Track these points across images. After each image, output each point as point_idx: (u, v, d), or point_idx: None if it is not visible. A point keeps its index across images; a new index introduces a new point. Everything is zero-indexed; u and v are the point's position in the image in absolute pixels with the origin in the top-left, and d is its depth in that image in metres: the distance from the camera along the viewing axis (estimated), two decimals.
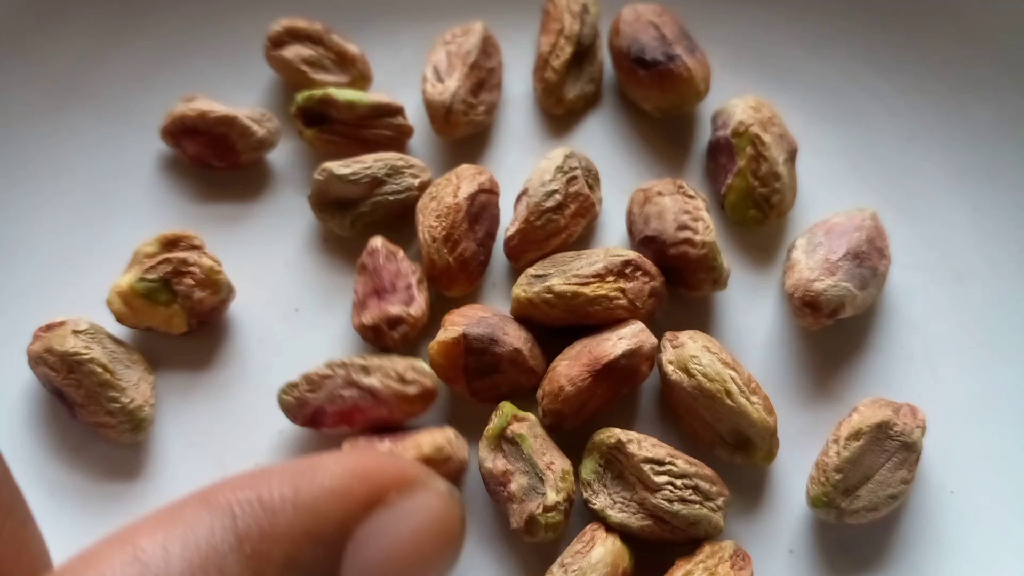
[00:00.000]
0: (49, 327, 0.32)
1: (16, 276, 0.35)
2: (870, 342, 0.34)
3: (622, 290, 0.32)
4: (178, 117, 0.35)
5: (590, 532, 0.30)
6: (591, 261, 0.32)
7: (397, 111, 0.36)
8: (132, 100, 0.37)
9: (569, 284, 0.32)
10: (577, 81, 0.37)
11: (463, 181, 0.34)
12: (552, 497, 0.29)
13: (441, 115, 0.35)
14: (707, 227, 0.32)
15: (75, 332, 0.32)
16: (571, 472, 0.30)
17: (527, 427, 0.31)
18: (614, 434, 0.30)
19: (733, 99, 0.35)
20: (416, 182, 0.34)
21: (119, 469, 0.33)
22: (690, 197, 0.33)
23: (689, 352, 0.31)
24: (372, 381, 0.31)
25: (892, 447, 0.31)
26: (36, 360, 0.32)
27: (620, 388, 0.31)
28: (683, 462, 0.30)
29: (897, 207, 0.36)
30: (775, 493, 0.32)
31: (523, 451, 0.30)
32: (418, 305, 0.33)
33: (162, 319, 0.33)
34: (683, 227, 0.32)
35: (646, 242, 0.33)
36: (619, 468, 0.30)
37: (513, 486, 0.30)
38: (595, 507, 0.30)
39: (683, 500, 0.29)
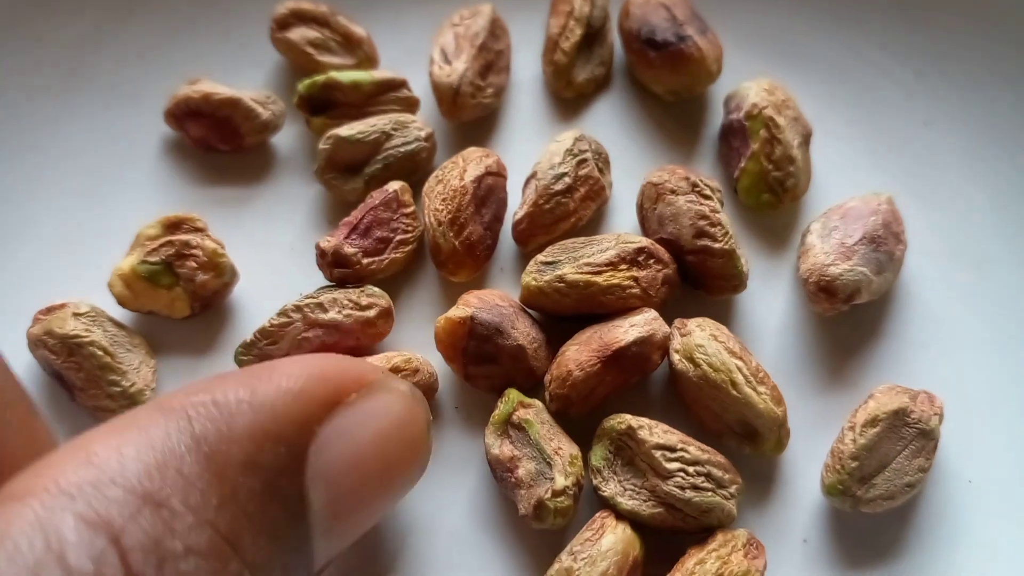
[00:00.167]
0: (49, 309, 0.32)
1: (17, 258, 0.35)
2: (885, 329, 0.34)
3: (635, 279, 0.31)
4: (182, 99, 0.35)
5: (600, 520, 0.29)
6: (602, 248, 0.32)
7: (401, 84, 0.35)
8: (135, 82, 0.37)
9: (581, 273, 0.31)
10: (587, 64, 0.37)
11: (469, 164, 0.33)
12: (561, 482, 0.29)
13: (448, 97, 0.35)
14: (726, 233, 0.31)
15: (76, 315, 0.32)
16: (579, 457, 0.30)
17: (534, 413, 0.30)
18: (625, 420, 0.30)
19: (746, 82, 0.35)
20: (423, 134, 0.34)
21: None
22: (705, 197, 0.32)
23: (695, 341, 0.30)
24: (332, 316, 0.31)
25: (909, 435, 0.30)
26: (36, 343, 0.31)
27: (630, 376, 0.31)
28: (695, 449, 0.29)
29: (913, 192, 0.35)
30: (789, 481, 0.32)
31: (530, 436, 0.30)
32: (379, 260, 0.32)
33: (164, 302, 0.33)
34: (701, 233, 0.31)
35: (661, 244, 0.32)
36: (630, 455, 0.30)
37: (520, 472, 0.29)
38: (605, 494, 0.29)
39: (695, 487, 0.29)
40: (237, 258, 0.33)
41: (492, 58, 0.36)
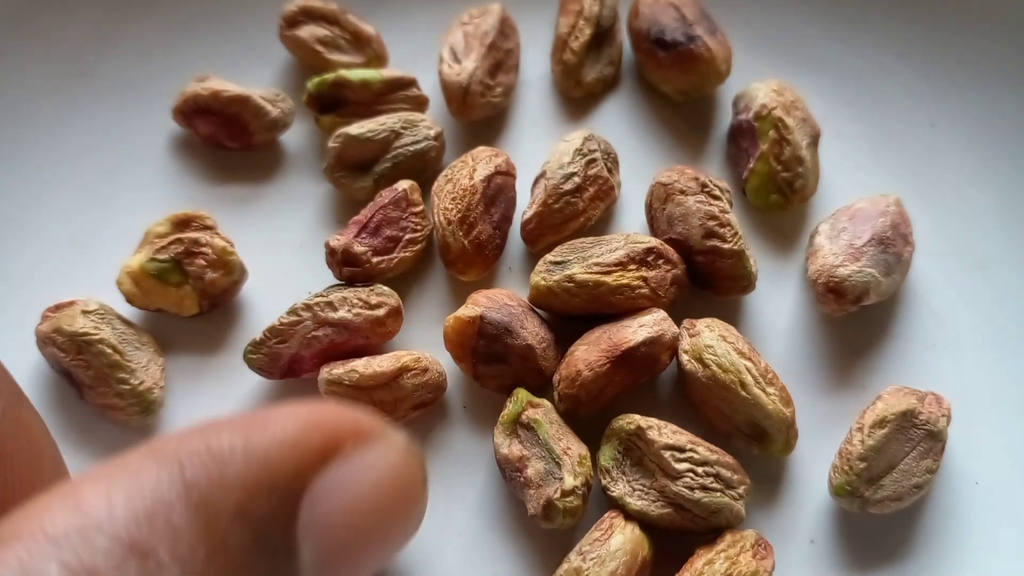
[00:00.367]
0: (58, 307, 0.32)
1: (26, 255, 0.35)
2: (893, 330, 0.34)
3: (644, 279, 0.31)
4: (191, 96, 0.35)
5: (609, 520, 0.29)
6: (611, 248, 0.32)
7: (411, 83, 0.35)
8: (144, 79, 0.37)
9: (591, 273, 0.31)
10: (596, 63, 0.37)
11: (479, 163, 0.33)
12: (570, 482, 0.29)
13: (458, 96, 0.35)
14: (735, 234, 0.31)
15: (84, 312, 0.32)
16: (588, 457, 0.30)
17: (543, 412, 0.30)
18: (634, 420, 0.30)
19: (755, 82, 0.35)
20: (432, 132, 0.34)
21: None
22: (715, 198, 0.32)
23: (704, 341, 0.30)
24: (342, 314, 0.31)
25: (917, 436, 0.30)
26: (44, 340, 0.31)
27: (639, 377, 0.31)
28: (704, 449, 0.29)
29: (920, 193, 0.35)
30: (796, 482, 0.32)
31: (539, 436, 0.30)
32: (388, 259, 0.32)
33: (173, 300, 0.33)
34: (710, 234, 0.31)
35: (671, 244, 0.32)
36: (639, 455, 0.30)
37: (530, 471, 0.29)
38: (614, 495, 0.30)
39: (704, 488, 0.29)
40: (246, 256, 0.33)
41: (501, 57, 0.36)
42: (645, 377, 0.31)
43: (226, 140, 0.35)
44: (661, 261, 0.32)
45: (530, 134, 0.36)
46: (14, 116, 0.36)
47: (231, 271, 0.32)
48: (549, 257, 0.32)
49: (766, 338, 0.33)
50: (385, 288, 0.32)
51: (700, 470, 0.29)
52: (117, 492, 0.14)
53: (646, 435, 0.29)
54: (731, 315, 0.33)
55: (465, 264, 0.33)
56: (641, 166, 0.36)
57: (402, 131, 0.34)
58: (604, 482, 0.30)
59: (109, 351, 0.31)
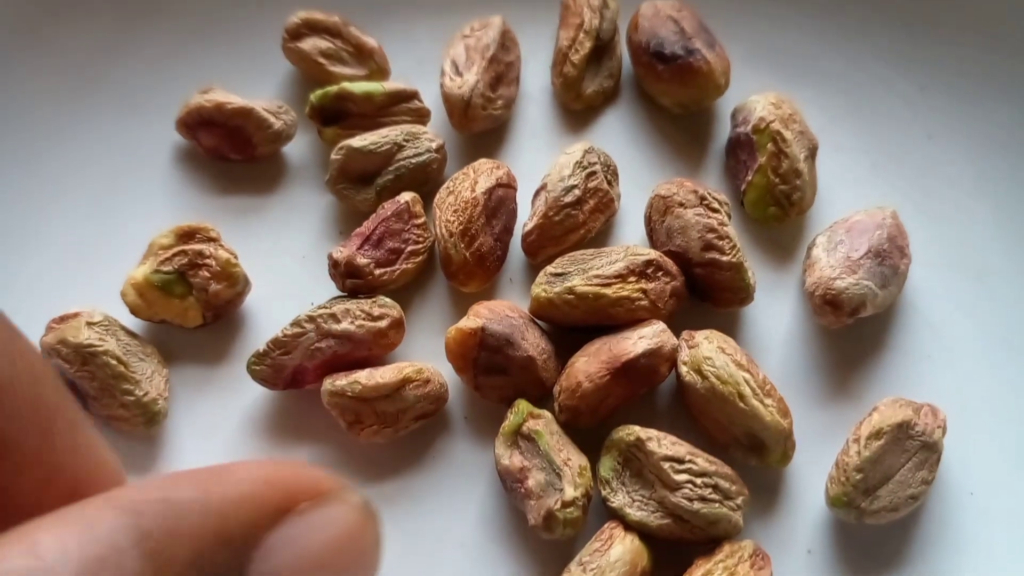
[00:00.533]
0: (63, 319, 0.32)
1: (30, 267, 0.35)
2: (890, 341, 0.34)
3: (644, 291, 0.31)
4: (194, 108, 0.35)
5: (608, 530, 0.29)
6: (611, 260, 0.32)
7: (413, 95, 0.35)
8: (148, 91, 0.37)
9: (591, 285, 0.31)
10: (596, 76, 0.37)
11: (480, 175, 0.34)
12: (570, 493, 0.29)
13: (459, 109, 0.35)
14: (733, 246, 0.32)
15: (89, 324, 0.32)
16: (588, 468, 0.30)
17: (543, 424, 0.31)
18: (633, 431, 0.30)
19: (753, 95, 0.35)
20: (434, 145, 0.35)
21: (132, 463, 0.32)
22: (713, 211, 0.32)
23: (703, 353, 0.31)
24: (345, 326, 0.31)
25: (913, 447, 0.30)
26: (49, 352, 0.32)
27: (638, 388, 0.31)
28: (703, 460, 0.30)
29: (917, 205, 0.36)
30: (793, 492, 0.32)
31: (540, 447, 0.30)
32: (391, 271, 0.33)
33: (177, 312, 0.33)
34: (709, 246, 0.32)
35: (670, 256, 0.33)
36: (638, 466, 0.30)
37: (530, 482, 0.30)
38: (613, 505, 0.30)
39: (703, 499, 0.29)
40: (249, 266, 0.33)
41: (502, 70, 0.36)
42: (644, 388, 0.31)
43: (229, 152, 0.36)
44: (660, 273, 0.32)
45: (531, 146, 0.37)
46: (19, 127, 0.36)
47: (235, 283, 0.33)
48: (550, 269, 0.32)
49: (764, 349, 0.34)
50: (387, 300, 0.32)
51: (699, 481, 0.29)
52: (71, 537, 0.14)
53: (646, 446, 0.30)
54: (729, 326, 0.34)
55: (467, 276, 0.33)
56: (641, 178, 0.36)
57: (404, 143, 0.34)
58: (604, 493, 0.30)
59: (114, 362, 0.31)
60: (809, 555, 0.31)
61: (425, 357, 0.33)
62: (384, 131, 0.34)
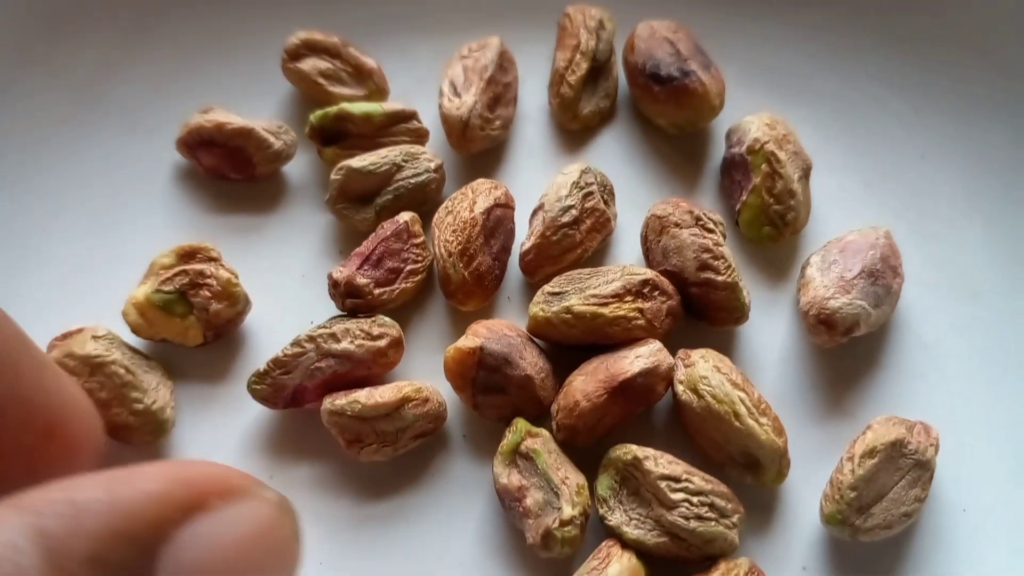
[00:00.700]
0: (66, 335, 0.32)
1: (31, 285, 0.35)
2: (883, 360, 0.34)
3: (640, 310, 0.32)
4: (195, 128, 0.35)
5: (606, 548, 0.30)
6: (608, 279, 0.32)
7: (411, 116, 0.36)
8: (149, 111, 0.38)
9: (588, 305, 0.32)
10: (592, 96, 0.37)
11: (479, 196, 0.34)
12: (568, 511, 0.29)
13: (458, 130, 0.35)
14: (728, 266, 0.32)
15: (95, 337, 0.32)
16: (586, 486, 0.30)
17: (541, 442, 0.31)
18: (631, 450, 0.30)
19: (748, 116, 0.36)
20: (433, 165, 0.35)
21: None
22: (708, 231, 0.33)
23: (699, 372, 0.31)
24: (344, 345, 0.32)
25: (906, 465, 0.31)
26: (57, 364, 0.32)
27: (635, 407, 0.31)
28: (699, 479, 0.30)
29: (910, 224, 0.36)
30: (789, 510, 0.32)
31: (538, 466, 0.30)
32: (390, 290, 0.33)
33: (178, 331, 0.33)
34: (704, 266, 0.32)
35: (665, 276, 0.33)
36: (635, 485, 0.30)
37: (528, 501, 0.30)
38: (611, 523, 0.30)
39: (699, 517, 0.30)
40: (249, 285, 0.34)
41: (500, 91, 0.37)
42: (641, 407, 0.32)
43: (230, 171, 0.36)
44: (656, 293, 0.32)
45: (528, 165, 0.37)
46: (21, 146, 0.37)
47: (235, 302, 0.33)
48: (547, 288, 0.33)
49: (759, 368, 0.34)
50: (387, 319, 0.33)
51: (695, 500, 0.30)
52: None
53: (642, 465, 0.30)
54: (725, 345, 0.34)
55: (465, 295, 0.33)
56: (637, 197, 0.36)
57: (403, 164, 0.35)
58: (601, 511, 0.31)
59: (122, 371, 0.32)
60: (804, 572, 0.32)
61: (424, 375, 0.33)
62: (383, 151, 0.35)
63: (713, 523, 0.30)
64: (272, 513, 0.17)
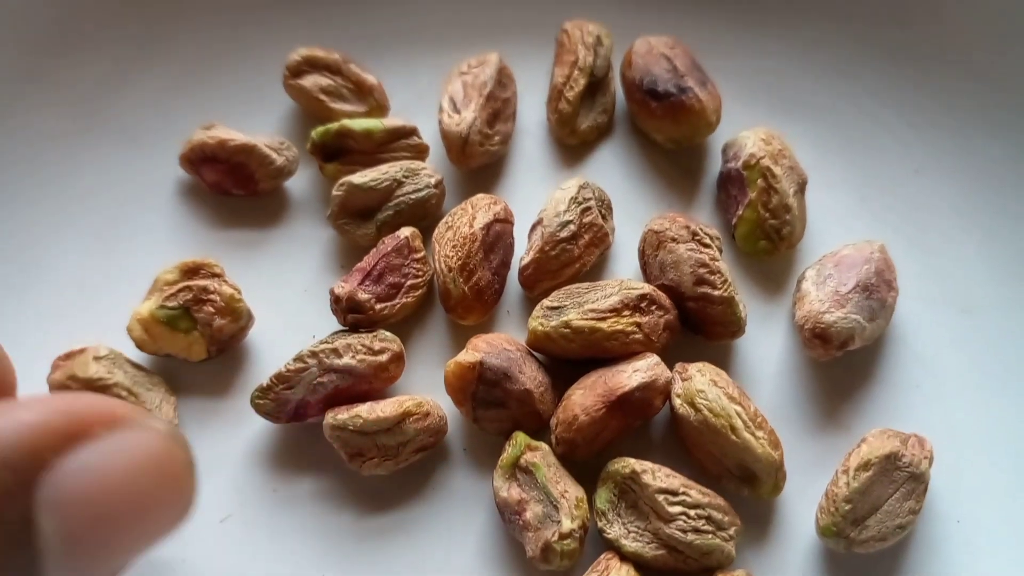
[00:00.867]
0: (69, 355, 0.33)
1: (34, 302, 0.35)
2: (878, 373, 0.35)
3: (638, 324, 0.32)
4: (197, 145, 0.36)
5: (604, 561, 0.30)
6: (606, 294, 0.33)
7: (412, 132, 0.36)
8: (152, 127, 0.38)
9: (586, 319, 0.32)
10: (590, 112, 0.38)
11: (478, 211, 0.34)
12: (567, 524, 0.30)
13: (458, 146, 0.36)
14: (725, 281, 0.33)
15: (96, 359, 0.33)
16: (585, 500, 0.31)
17: (540, 456, 0.31)
18: (629, 464, 0.31)
19: (744, 131, 0.36)
20: (433, 181, 0.35)
21: None
22: (705, 246, 0.33)
23: (696, 386, 0.31)
24: (346, 361, 0.32)
25: (900, 478, 0.31)
26: (59, 388, 0.32)
27: (633, 421, 0.32)
28: (696, 492, 0.31)
29: (906, 238, 0.37)
30: (784, 522, 0.33)
31: (537, 480, 0.31)
32: (391, 305, 0.33)
33: (182, 346, 0.33)
34: (701, 281, 0.33)
35: (662, 290, 0.33)
36: (633, 498, 0.31)
37: (528, 514, 0.30)
38: (609, 536, 0.31)
39: (697, 530, 0.30)
40: (251, 299, 0.34)
41: (499, 106, 0.37)
42: (639, 421, 0.32)
43: (232, 187, 0.36)
44: (654, 307, 0.33)
45: (527, 180, 0.38)
46: (23, 164, 0.37)
47: (238, 317, 0.33)
48: (546, 302, 0.33)
49: (755, 381, 0.35)
50: (388, 334, 0.33)
51: (692, 513, 0.30)
52: None
53: (641, 479, 0.30)
54: (721, 358, 0.34)
55: (465, 310, 0.34)
56: (634, 211, 0.37)
57: (404, 179, 0.35)
58: (600, 524, 0.31)
59: (124, 393, 0.32)
60: None
61: (425, 389, 0.34)
62: (384, 167, 0.35)
63: (710, 535, 0.30)
64: (161, 442, 0.17)
